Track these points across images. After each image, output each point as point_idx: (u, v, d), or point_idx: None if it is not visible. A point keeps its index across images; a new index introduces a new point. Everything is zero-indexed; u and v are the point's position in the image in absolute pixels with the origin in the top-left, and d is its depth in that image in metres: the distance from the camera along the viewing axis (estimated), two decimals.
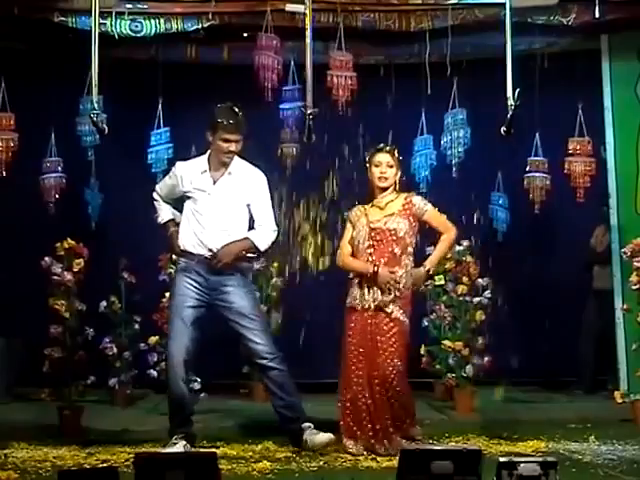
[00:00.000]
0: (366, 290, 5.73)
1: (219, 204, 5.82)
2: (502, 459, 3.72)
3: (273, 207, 6.02)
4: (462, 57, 7.47)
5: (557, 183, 7.74)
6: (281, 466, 5.36)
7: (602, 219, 7.92)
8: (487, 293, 7.51)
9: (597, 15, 6.91)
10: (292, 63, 7.35)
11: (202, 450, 5.41)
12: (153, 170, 7.70)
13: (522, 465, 3.64)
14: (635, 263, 6.63)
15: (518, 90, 5.80)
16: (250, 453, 5.69)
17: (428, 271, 5.88)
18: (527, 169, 7.74)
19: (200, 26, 7.13)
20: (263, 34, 7.05)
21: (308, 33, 5.99)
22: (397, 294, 5.69)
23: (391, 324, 5.69)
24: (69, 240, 6.75)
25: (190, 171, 5.92)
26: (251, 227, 5.91)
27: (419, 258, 5.91)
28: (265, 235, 5.90)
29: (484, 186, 8.20)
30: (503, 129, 5.93)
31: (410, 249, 5.80)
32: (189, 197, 5.89)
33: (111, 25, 7.01)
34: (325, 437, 5.69)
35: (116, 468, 3.88)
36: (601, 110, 7.50)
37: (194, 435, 5.82)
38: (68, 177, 7.89)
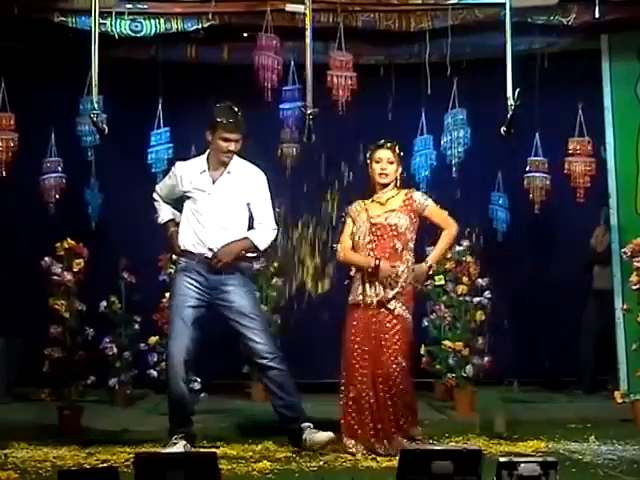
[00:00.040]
0: (368, 285, 5.72)
1: (219, 203, 5.81)
2: (502, 459, 3.72)
3: (273, 206, 6.01)
4: (462, 57, 7.48)
5: (557, 183, 7.75)
6: (281, 466, 5.35)
7: (602, 219, 7.92)
8: (487, 293, 7.50)
9: (597, 15, 6.91)
10: (292, 63, 7.35)
11: (202, 450, 5.40)
12: (153, 170, 7.71)
13: (522, 465, 3.63)
14: (635, 263, 6.63)
15: (518, 90, 5.80)
16: (250, 453, 5.68)
17: (430, 267, 5.87)
18: (527, 169, 7.75)
19: (200, 26, 7.13)
20: (263, 34, 7.06)
21: (308, 33, 6.00)
22: (399, 290, 5.68)
23: (394, 321, 5.67)
24: (69, 240, 6.75)
25: (189, 171, 5.91)
26: (251, 226, 5.91)
27: (419, 258, 5.91)
28: (265, 234, 5.90)
29: (484, 186, 8.21)
30: (503, 129, 5.94)
31: (411, 245, 5.79)
32: (189, 197, 5.89)
33: (111, 25, 7.01)
34: (325, 436, 5.68)
35: (116, 468, 3.88)
36: (601, 110, 7.50)
37: (194, 435, 5.81)
38: (68, 177, 7.90)
